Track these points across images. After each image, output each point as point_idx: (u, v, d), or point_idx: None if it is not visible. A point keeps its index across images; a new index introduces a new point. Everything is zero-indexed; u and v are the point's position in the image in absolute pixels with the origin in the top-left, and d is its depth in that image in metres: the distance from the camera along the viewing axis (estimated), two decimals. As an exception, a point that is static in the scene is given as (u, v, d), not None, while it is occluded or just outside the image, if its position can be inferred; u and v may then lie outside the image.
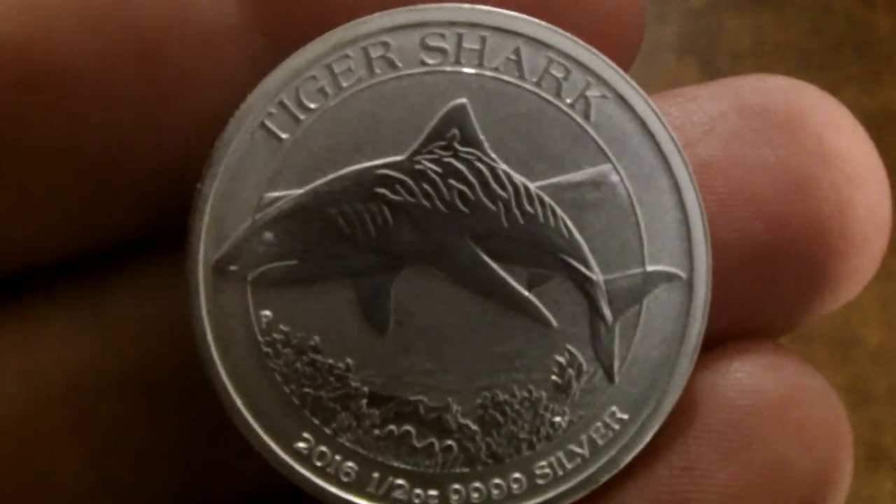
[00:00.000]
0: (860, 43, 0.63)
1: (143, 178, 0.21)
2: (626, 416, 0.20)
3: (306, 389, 0.20)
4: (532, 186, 0.20)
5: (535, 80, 0.20)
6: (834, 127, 0.21)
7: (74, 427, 0.21)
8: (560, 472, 0.20)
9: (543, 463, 0.20)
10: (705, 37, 0.63)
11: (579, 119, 0.20)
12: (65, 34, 0.19)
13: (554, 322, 0.20)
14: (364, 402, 0.20)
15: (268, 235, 0.20)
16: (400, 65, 0.20)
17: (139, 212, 0.21)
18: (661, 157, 0.20)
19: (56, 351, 0.21)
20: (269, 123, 0.20)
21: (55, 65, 0.19)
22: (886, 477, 0.52)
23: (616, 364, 0.20)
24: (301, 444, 0.20)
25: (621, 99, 0.20)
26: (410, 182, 0.20)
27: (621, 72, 0.20)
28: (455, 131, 0.20)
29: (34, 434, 0.21)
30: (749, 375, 0.20)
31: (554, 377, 0.20)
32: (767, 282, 0.21)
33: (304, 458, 0.20)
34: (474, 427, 0.20)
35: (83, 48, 0.19)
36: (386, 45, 0.20)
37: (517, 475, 0.20)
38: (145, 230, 0.21)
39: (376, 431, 0.20)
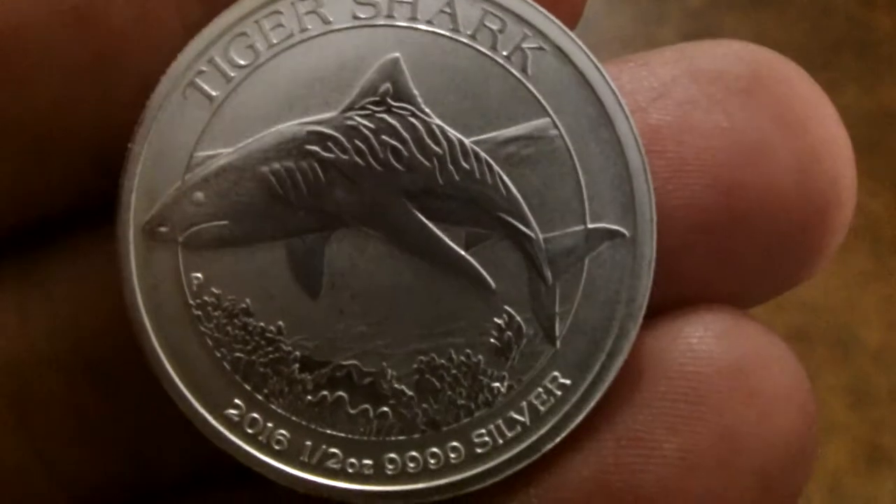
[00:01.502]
0: (860, 43, 0.63)
1: (84, 144, 0.20)
2: (568, 382, 0.19)
3: (238, 354, 0.19)
4: (468, 142, 0.19)
5: (469, 32, 0.19)
6: (795, 93, 0.20)
7: (12, 405, 0.21)
8: (500, 441, 0.19)
9: (482, 431, 0.19)
10: (705, 37, 0.62)
11: (516, 72, 0.19)
12: None
13: (492, 283, 0.19)
14: (296, 366, 0.19)
15: (198, 195, 0.19)
16: (331, 20, 0.19)
17: (80, 181, 0.21)
18: (602, 110, 0.19)
19: None
20: (199, 81, 0.19)
21: None
22: (887, 477, 0.52)
23: (557, 326, 0.19)
24: (232, 411, 0.19)
25: (560, 51, 0.19)
26: (342, 139, 0.19)
27: (560, 24, 0.19)
28: (388, 86, 0.19)
29: None
30: (701, 340, 0.20)
31: (493, 340, 0.19)
32: (722, 251, 0.20)
33: (234, 425, 0.19)
34: (410, 393, 0.19)
35: (19, 12, 0.19)
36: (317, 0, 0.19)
37: (455, 444, 0.19)
38: (89, 201, 0.21)
39: (309, 397, 0.19)
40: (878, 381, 0.54)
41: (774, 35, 0.63)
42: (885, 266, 0.56)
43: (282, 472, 0.19)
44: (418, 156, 0.19)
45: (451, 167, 0.19)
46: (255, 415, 0.19)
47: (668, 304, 0.20)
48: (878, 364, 0.54)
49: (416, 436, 0.19)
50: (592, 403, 0.19)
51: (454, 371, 0.19)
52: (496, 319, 0.19)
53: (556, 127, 0.19)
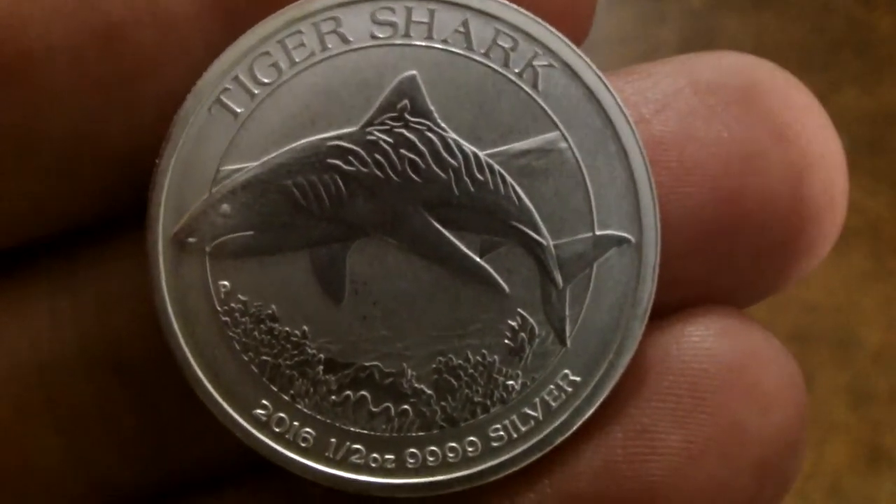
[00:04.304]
0: (860, 43, 0.63)
1: (112, 160, 0.21)
2: (578, 379, 0.20)
3: (264, 357, 0.20)
4: (482, 154, 0.20)
5: (483, 51, 0.20)
6: (789, 104, 0.21)
7: (49, 407, 0.22)
8: (514, 435, 0.20)
9: (498, 426, 0.20)
10: (705, 37, 0.63)
11: (527, 88, 0.20)
12: (33, 19, 0.20)
13: (506, 287, 0.20)
14: (321, 368, 0.20)
15: (225, 207, 0.20)
16: (351, 39, 0.20)
17: (108, 193, 0.21)
18: (608, 123, 0.20)
19: (27, 332, 0.22)
20: (225, 99, 0.20)
21: (24, 49, 0.20)
22: (887, 478, 0.52)
23: (568, 327, 0.20)
24: (260, 411, 0.20)
25: (568, 68, 0.20)
26: (363, 152, 0.20)
27: (568, 41, 0.20)
28: (406, 102, 0.20)
29: (8, 415, 0.22)
30: (702, 339, 0.21)
31: (507, 341, 0.20)
32: (721, 255, 0.21)
33: (262, 425, 0.20)
34: (429, 391, 0.20)
35: (51, 33, 0.20)
36: (337, 20, 0.20)
37: (472, 438, 0.20)
38: (115, 210, 0.22)
39: (333, 397, 0.20)
40: (878, 381, 0.54)
41: (774, 35, 0.64)
42: (885, 266, 0.57)
43: (308, 467, 0.20)
44: (435, 168, 0.20)
45: (466, 179, 0.20)
46: (282, 414, 0.20)
47: (671, 304, 0.21)
48: (878, 364, 0.55)
49: (436, 431, 0.20)
50: (601, 399, 0.20)
51: (471, 370, 0.20)
52: (510, 322, 0.20)
53: (565, 140, 0.20)
